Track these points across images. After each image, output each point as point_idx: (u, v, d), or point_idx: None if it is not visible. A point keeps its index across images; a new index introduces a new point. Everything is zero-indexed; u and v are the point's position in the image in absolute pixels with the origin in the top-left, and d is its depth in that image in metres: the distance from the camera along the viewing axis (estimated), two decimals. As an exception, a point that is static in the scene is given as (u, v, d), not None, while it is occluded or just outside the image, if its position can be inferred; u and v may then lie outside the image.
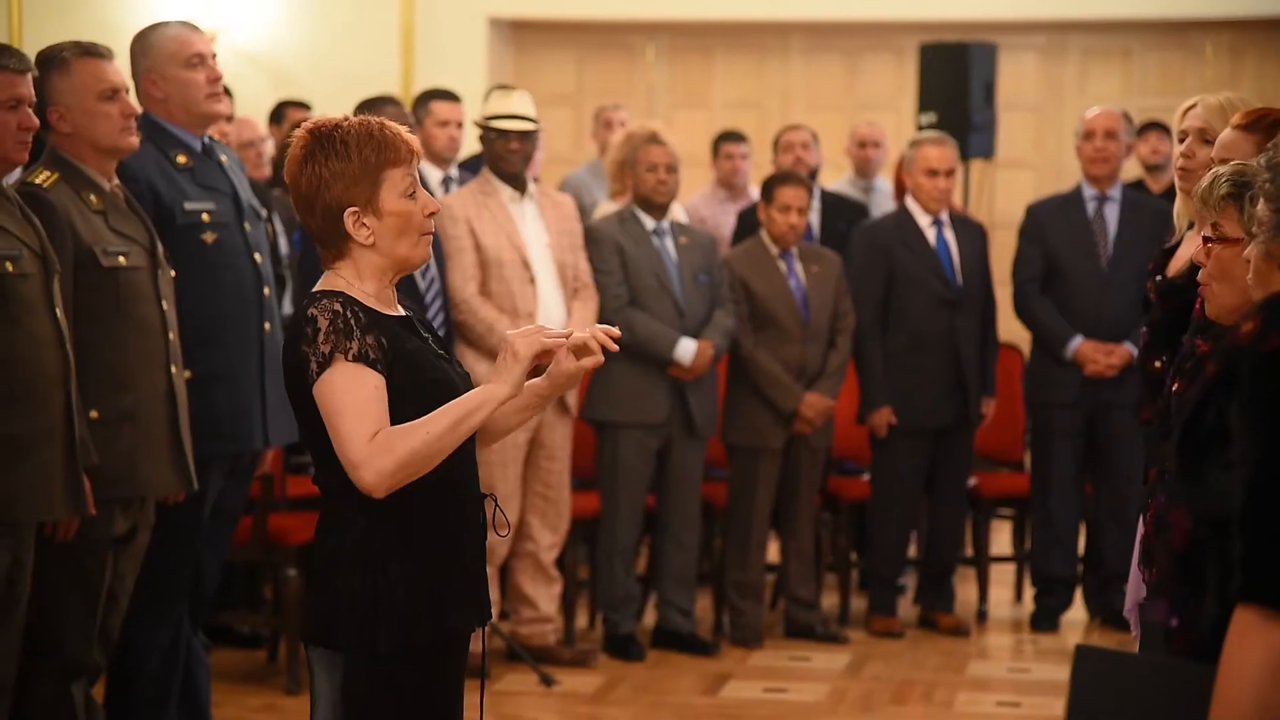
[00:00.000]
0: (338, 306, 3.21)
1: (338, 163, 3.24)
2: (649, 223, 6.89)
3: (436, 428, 3.17)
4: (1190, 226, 4.48)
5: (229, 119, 7.01)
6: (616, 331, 3.33)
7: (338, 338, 3.19)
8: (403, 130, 3.32)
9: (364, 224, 3.25)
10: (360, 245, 3.27)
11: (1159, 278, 4.43)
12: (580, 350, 3.29)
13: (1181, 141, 4.48)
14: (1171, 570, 2.47)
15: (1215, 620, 2.10)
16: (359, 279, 3.28)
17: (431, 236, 3.34)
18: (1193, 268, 4.25)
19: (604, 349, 3.31)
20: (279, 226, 6.91)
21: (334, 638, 3.27)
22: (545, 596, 6.69)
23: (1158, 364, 4.34)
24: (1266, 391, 2.00)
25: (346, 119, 3.31)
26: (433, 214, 3.32)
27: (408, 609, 3.23)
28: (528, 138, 6.66)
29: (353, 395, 3.17)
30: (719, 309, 6.89)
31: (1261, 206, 2.75)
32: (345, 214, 3.25)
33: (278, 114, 8.58)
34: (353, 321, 3.21)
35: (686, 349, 6.73)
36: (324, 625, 3.28)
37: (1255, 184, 3.23)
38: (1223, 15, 11.58)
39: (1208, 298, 3.39)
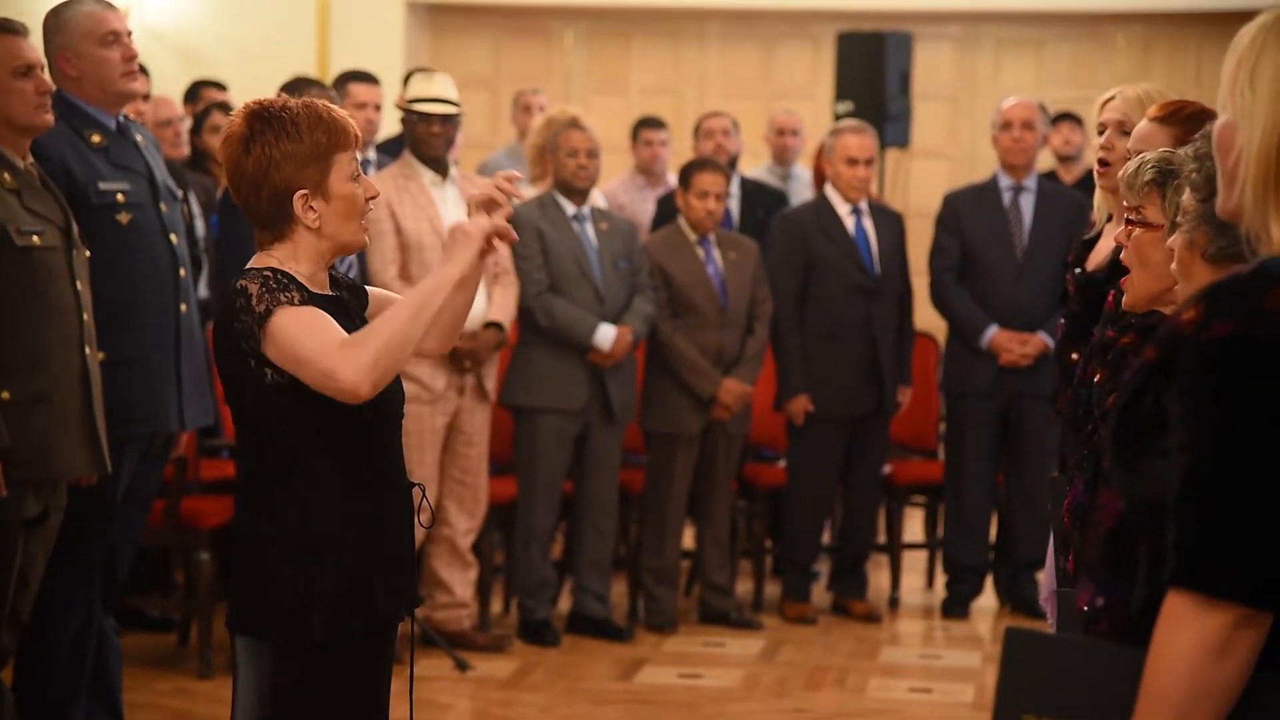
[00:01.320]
0: (267, 273, 3.20)
1: (289, 144, 3.22)
2: (569, 208, 6.88)
3: (400, 314, 3.15)
4: (1109, 219, 4.52)
5: (145, 98, 6.94)
6: (516, 175, 3.30)
7: (273, 295, 3.17)
8: (346, 114, 3.31)
9: (312, 207, 3.23)
10: (304, 228, 3.24)
11: (1078, 270, 4.46)
12: (489, 205, 3.25)
13: (1101, 134, 4.51)
14: (1100, 551, 2.49)
15: (1144, 603, 2.12)
16: (294, 260, 3.26)
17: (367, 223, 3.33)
18: (1112, 261, 4.30)
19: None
20: (195, 208, 6.85)
21: (264, 626, 3.25)
22: (461, 581, 6.67)
23: (1075, 355, 4.37)
24: (1207, 381, 2.02)
25: (290, 99, 3.27)
26: (373, 198, 3.30)
27: (341, 597, 3.22)
28: (450, 121, 6.63)
29: (307, 324, 3.15)
30: (638, 295, 6.89)
31: (1187, 196, 2.78)
32: (295, 196, 3.22)
33: (193, 93, 8.49)
34: (284, 280, 3.20)
35: (606, 335, 6.72)
36: (253, 613, 3.26)
37: (1180, 172, 3.27)
38: (1134, 8, 11.71)
39: (1126, 288, 3.42)
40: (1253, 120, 2.09)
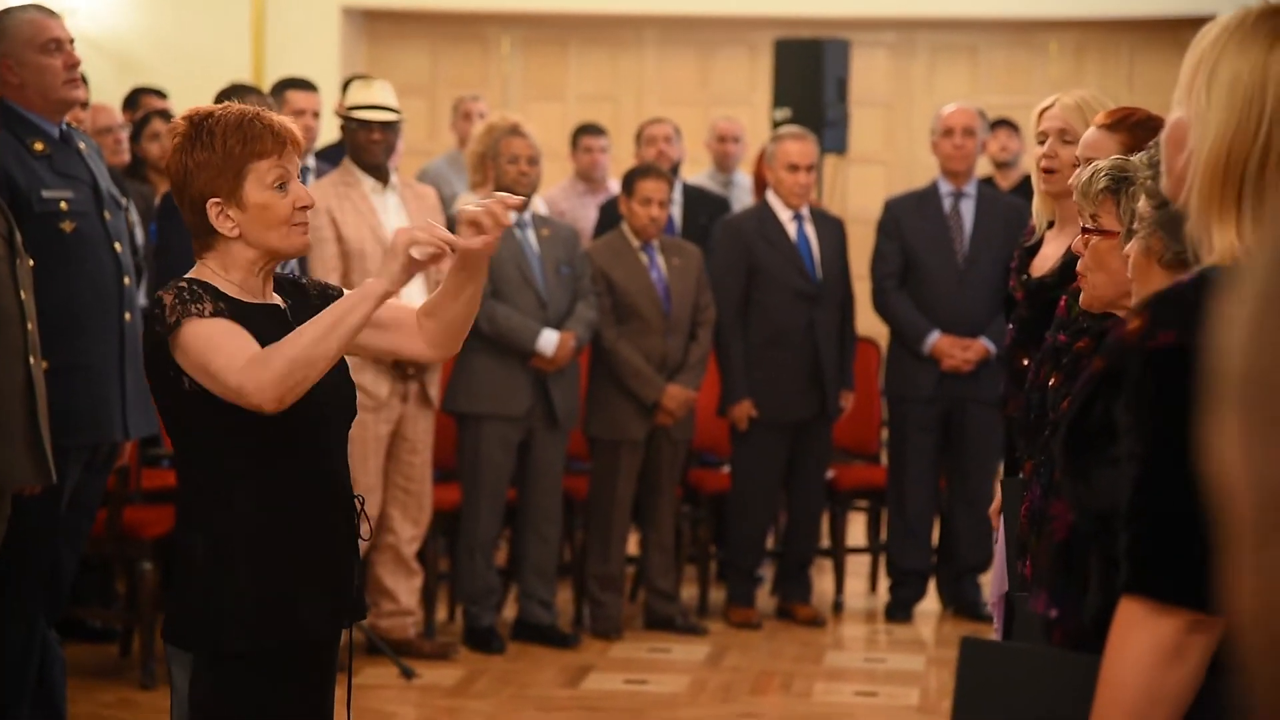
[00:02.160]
0: (183, 284, 3.18)
1: (202, 153, 3.20)
2: (511, 215, 6.85)
3: (312, 331, 3.10)
4: (1050, 225, 4.56)
5: (83, 106, 6.89)
6: (517, 200, 3.28)
7: (184, 305, 3.14)
8: (278, 121, 3.26)
9: (227, 215, 3.20)
10: (227, 238, 3.22)
11: (1025, 276, 4.50)
12: (475, 227, 3.24)
13: (1042, 142, 4.55)
14: (1052, 562, 2.51)
15: (1097, 612, 2.13)
16: (224, 270, 3.23)
17: (307, 227, 3.29)
18: (1062, 266, 4.34)
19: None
20: (134, 216, 6.80)
21: (185, 636, 3.23)
22: (405, 589, 6.65)
23: (1024, 361, 4.41)
24: (1153, 388, 2.03)
25: (226, 108, 3.26)
26: (305, 207, 3.26)
27: (256, 612, 3.18)
28: (390, 128, 6.62)
29: (214, 337, 3.12)
30: (581, 301, 6.89)
31: (1143, 203, 2.81)
32: (208, 205, 3.20)
33: (132, 100, 8.43)
34: (199, 290, 3.17)
35: (549, 340, 6.72)
36: (177, 623, 3.25)
37: (1134, 179, 3.30)
38: (1067, 15, 11.81)
39: (1084, 287, 3.46)
40: (1205, 125, 2.10)
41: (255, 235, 3.21)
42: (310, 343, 3.09)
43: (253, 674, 3.20)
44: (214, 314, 3.14)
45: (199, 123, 3.22)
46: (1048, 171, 4.49)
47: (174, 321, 3.13)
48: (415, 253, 3.16)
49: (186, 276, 3.22)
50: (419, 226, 3.20)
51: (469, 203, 7.25)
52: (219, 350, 3.11)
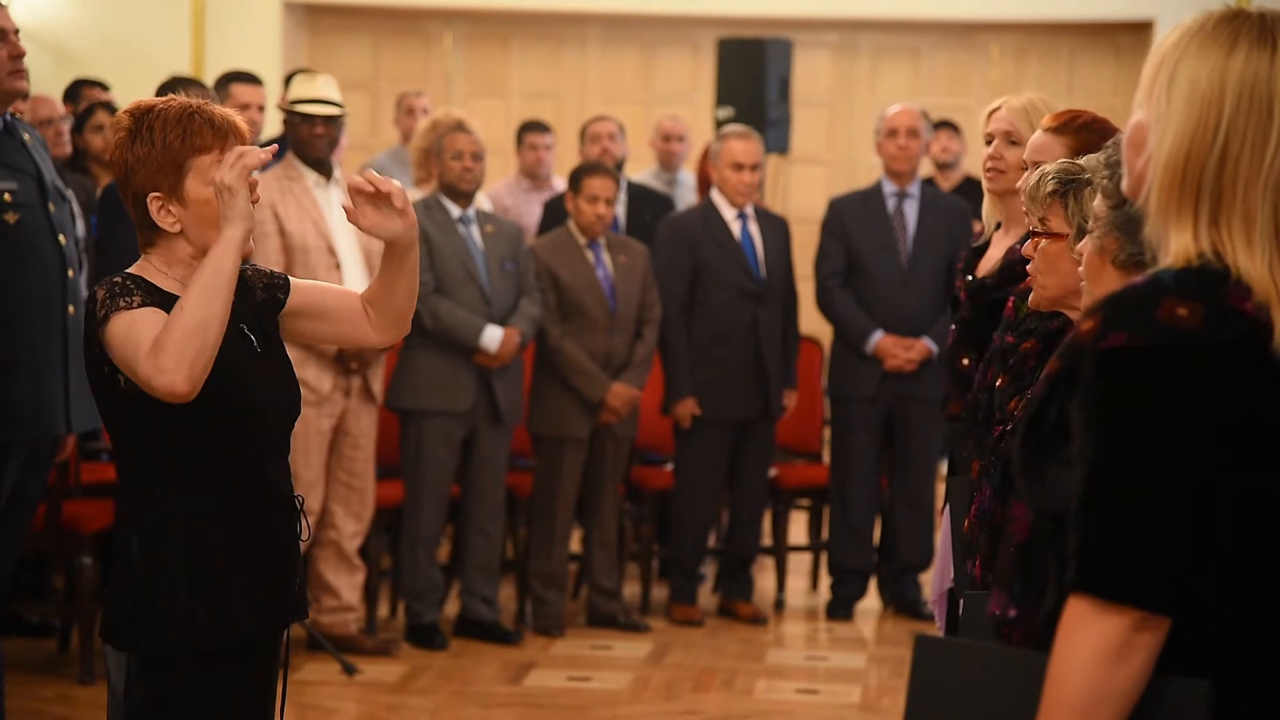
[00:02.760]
0: (118, 279, 3.15)
1: (143, 148, 3.15)
2: (454, 210, 6.86)
3: (191, 299, 3.06)
4: (998, 227, 4.59)
5: (24, 97, 6.82)
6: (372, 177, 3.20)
7: (113, 300, 3.11)
8: (219, 114, 3.20)
9: (169, 211, 3.16)
10: (168, 234, 3.19)
11: (969, 277, 4.52)
12: (381, 200, 3.18)
13: (989, 144, 4.57)
14: (1012, 563, 2.53)
15: (1051, 611, 2.15)
16: (168, 266, 3.20)
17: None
18: (1003, 268, 4.36)
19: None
20: (76, 209, 6.74)
21: (120, 637, 3.19)
22: (347, 585, 6.63)
23: (965, 361, 4.43)
24: (1102, 389, 2.04)
25: (168, 101, 3.20)
26: (253, 202, 3.22)
27: (188, 613, 3.15)
28: (333, 122, 6.60)
29: (135, 328, 3.09)
30: (525, 297, 6.89)
31: (1098, 202, 2.82)
32: (149, 200, 3.17)
33: (73, 92, 8.36)
34: (130, 285, 3.14)
35: (493, 336, 6.71)
36: (113, 623, 3.21)
37: (1081, 180, 3.33)
38: (1007, 18, 11.88)
39: (1034, 288, 3.48)
40: (1164, 128, 2.11)
41: (196, 231, 3.17)
42: (193, 309, 3.05)
43: (189, 675, 3.17)
44: (143, 305, 3.11)
45: (140, 117, 3.17)
46: (992, 173, 4.52)
47: (102, 316, 3.10)
48: (230, 176, 3.09)
49: (125, 272, 3.18)
50: (224, 162, 3.11)
51: (412, 198, 7.25)
52: (132, 344, 3.08)
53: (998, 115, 4.60)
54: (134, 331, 3.08)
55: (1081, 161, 3.41)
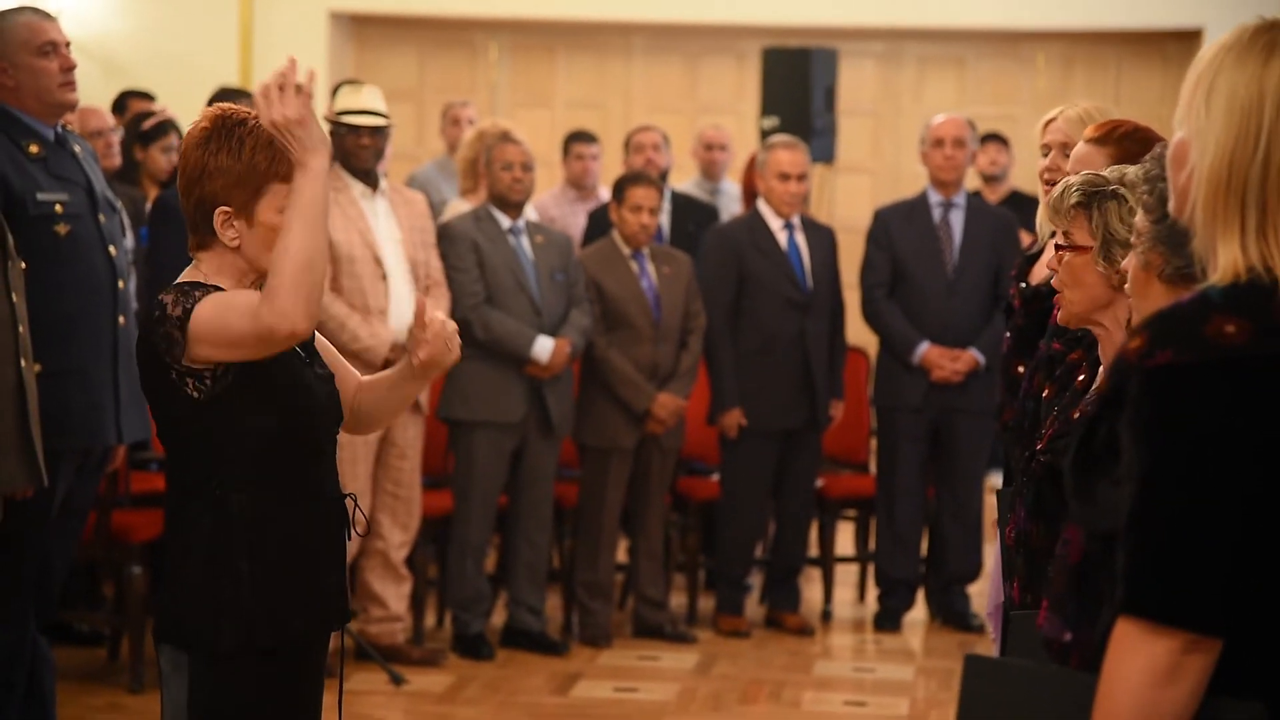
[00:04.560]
0: (185, 286, 3.18)
1: (226, 158, 3.17)
2: (504, 221, 6.87)
3: (292, 240, 3.06)
4: (1051, 235, 4.56)
5: (73, 109, 6.87)
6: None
7: (186, 297, 3.14)
8: None
9: (232, 226, 3.19)
10: (223, 245, 3.22)
11: (1023, 284, 4.50)
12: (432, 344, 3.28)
13: (1045, 154, 4.56)
14: (1067, 585, 2.51)
15: (1106, 633, 2.13)
16: (219, 274, 3.23)
17: None
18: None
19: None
20: (125, 220, 6.78)
21: (180, 635, 3.23)
22: (394, 595, 6.64)
23: (1020, 368, 4.41)
24: (1149, 408, 2.03)
25: (257, 116, 3.22)
26: None
27: (251, 610, 3.19)
28: (379, 133, 6.62)
29: (220, 306, 3.12)
30: (575, 308, 6.89)
31: (1140, 217, 2.81)
32: (216, 211, 3.19)
33: (121, 104, 8.41)
34: (193, 288, 3.18)
35: (544, 347, 6.72)
36: (171, 622, 3.25)
37: (1105, 192, 3.31)
38: (1054, 27, 11.84)
39: (1060, 303, 3.47)
40: (1205, 141, 2.10)
41: (254, 252, 3.20)
42: (297, 249, 3.06)
43: (249, 672, 3.21)
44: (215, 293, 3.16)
45: (231, 126, 3.18)
46: (1049, 183, 4.49)
47: (181, 314, 3.12)
48: (292, 108, 3.06)
49: (180, 282, 3.21)
50: (273, 99, 3.08)
51: (458, 209, 7.28)
52: (231, 311, 3.10)
53: (1054, 126, 4.58)
54: (226, 306, 3.12)
55: (1108, 173, 3.39)
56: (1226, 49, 2.12)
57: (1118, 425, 2.09)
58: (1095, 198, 3.35)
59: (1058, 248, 3.45)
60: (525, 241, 6.87)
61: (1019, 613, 3.23)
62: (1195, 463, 1.99)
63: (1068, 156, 4.45)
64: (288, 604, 3.23)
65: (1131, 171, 3.28)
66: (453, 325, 3.34)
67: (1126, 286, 2.86)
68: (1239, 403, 2.00)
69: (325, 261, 3.10)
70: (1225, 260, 2.08)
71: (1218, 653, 2.00)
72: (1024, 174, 10.32)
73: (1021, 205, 8.77)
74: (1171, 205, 2.21)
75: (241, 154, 3.16)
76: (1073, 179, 3.47)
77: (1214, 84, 2.11)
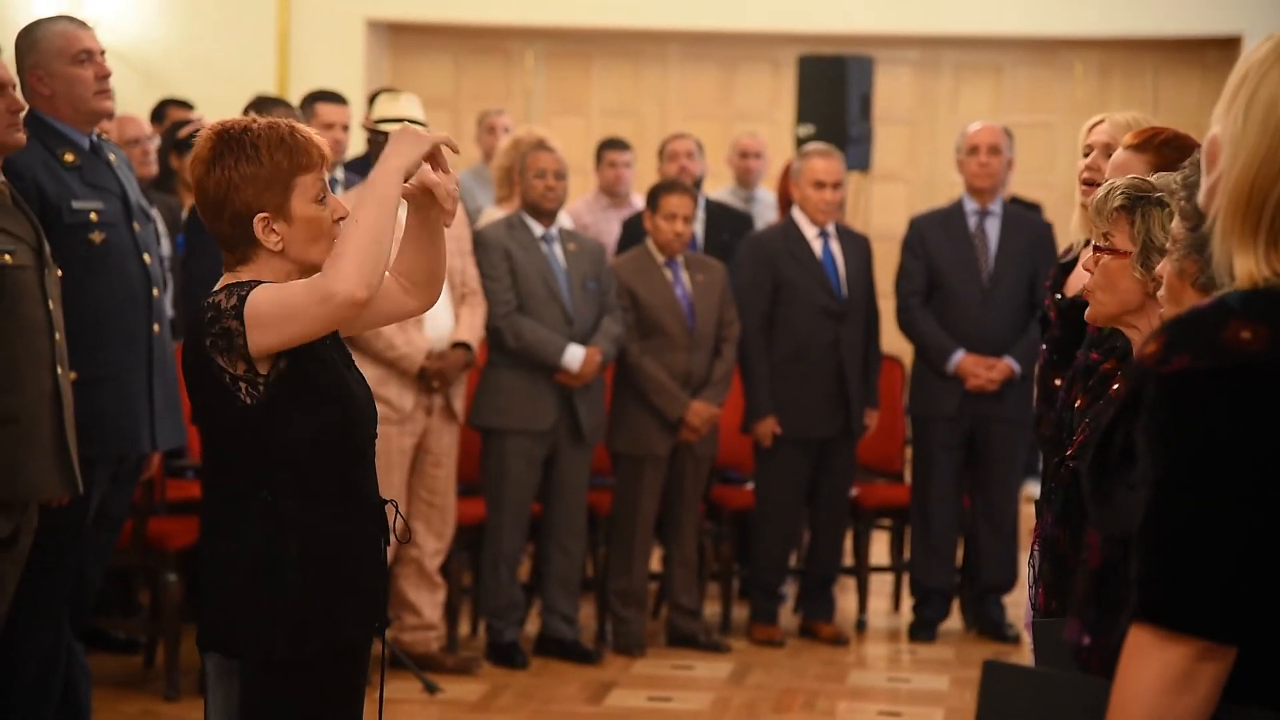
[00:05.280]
0: (233, 286, 3.20)
1: (248, 166, 3.19)
2: (537, 229, 6.87)
3: (363, 214, 3.11)
4: (1086, 243, 4.53)
5: (109, 117, 6.90)
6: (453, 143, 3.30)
7: (240, 289, 3.17)
8: (313, 134, 3.28)
9: (273, 230, 3.21)
10: (268, 250, 3.23)
11: (1059, 295, 4.47)
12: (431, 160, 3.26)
13: (1086, 155, 4.53)
14: (1086, 590, 2.50)
15: (1124, 637, 2.12)
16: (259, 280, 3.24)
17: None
18: (1094, 285, 4.31)
19: None
20: (161, 228, 6.81)
21: (230, 644, 3.24)
22: (429, 603, 6.64)
23: (1057, 380, 4.38)
24: (1166, 413, 2.02)
25: (255, 121, 3.26)
26: (341, 219, 3.28)
27: (304, 616, 3.21)
28: (416, 141, 6.60)
29: (279, 288, 3.16)
30: (607, 316, 6.89)
31: (1176, 224, 2.79)
32: (255, 219, 3.20)
33: (159, 112, 8.45)
34: (241, 283, 3.20)
35: (575, 355, 6.72)
36: (220, 631, 3.26)
37: (1151, 199, 3.29)
38: (1091, 34, 11.80)
39: (1090, 303, 3.44)
40: (1237, 148, 2.08)
41: (298, 249, 3.23)
42: (368, 222, 3.09)
43: (297, 679, 3.23)
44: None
45: (238, 136, 3.21)
46: (1089, 184, 4.46)
47: (236, 303, 3.14)
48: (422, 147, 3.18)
49: (223, 284, 3.23)
50: (419, 141, 3.19)
51: (493, 216, 7.28)
52: (286, 290, 3.14)
53: (1100, 128, 4.55)
54: (281, 286, 3.16)
55: (1154, 179, 3.37)
56: (1277, 55, 2.09)
57: (1135, 430, 2.08)
58: (1139, 203, 3.33)
59: (1096, 248, 3.43)
60: (558, 249, 6.87)
61: (1042, 620, 3.22)
62: (1209, 469, 1.98)
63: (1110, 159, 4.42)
64: (337, 609, 3.24)
65: (1167, 176, 3.27)
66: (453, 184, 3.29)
67: (1160, 293, 2.84)
68: (1255, 409, 1.98)
69: (391, 242, 3.12)
70: (1242, 270, 2.07)
71: (1232, 660, 1.98)
72: (1064, 181, 10.28)
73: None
74: (1200, 198, 2.19)
75: (260, 158, 3.20)
76: (1118, 181, 3.45)
77: (1257, 91, 2.08)
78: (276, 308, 3.13)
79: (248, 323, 3.13)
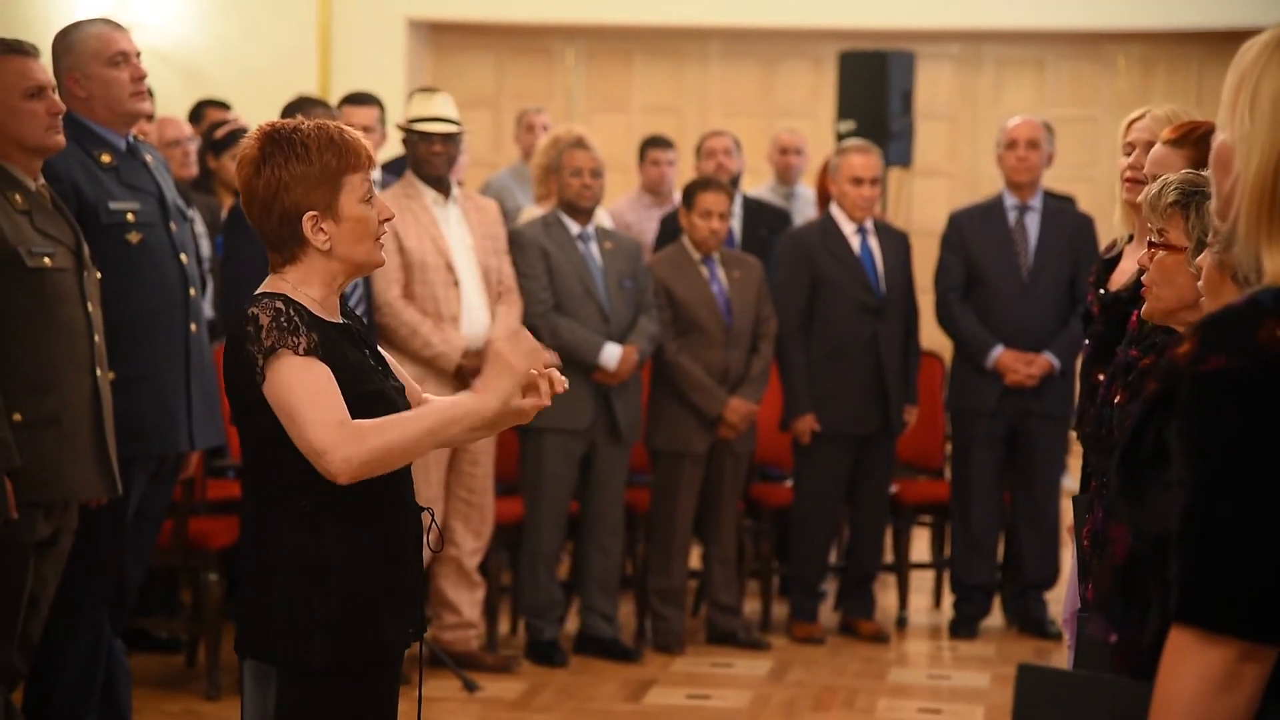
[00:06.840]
0: (279, 305, 3.18)
1: (298, 166, 3.20)
2: (574, 228, 6.87)
3: (415, 429, 3.14)
4: (1130, 239, 4.50)
5: (149, 118, 6.94)
6: (563, 385, 3.26)
7: (281, 334, 3.15)
8: (360, 135, 3.29)
9: (321, 229, 3.22)
10: (315, 250, 3.23)
11: (1102, 291, 4.45)
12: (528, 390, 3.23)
13: (1128, 153, 4.50)
14: (1112, 586, 2.48)
15: (1155, 637, 2.11)
16: (305, 284, 3.24)
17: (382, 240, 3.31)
18: (1137, 281, 4.29)
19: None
20: (200, 228, 6.84)
21: (268, 650, 3.23)
22: (468, 602, 6.65)
23: (1100, 375, 4.36)
24: (1200, 414, 2.00)
25: (303, 121, 3.26)
26: (387, 219, 3.29)
27: (343, 623, 3.20)
28: (451, 140, 6.62)
29: (307, 386, 3.13)
30: (643, 314, 6.89)
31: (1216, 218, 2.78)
32: (304, 219, 3.21)
33: (197, 113, 8.49)
34: (297, 319, 3.17)
35: (611, 354, 6.72)
36: (258, 637, 3.25)
37: (1204, 193, 3.27)
38: (1134, 27, 11.73)
39: (1148, 299, 3.43)
40: (1250, 146, 2.06)
41: (346, 249, 3.23)
42: (409, 439, 3.13)
43: (336, 686, 3.22)
44: (308, 351, 3.15)
45: (288, 136, 3.22)
46: (1133, 182, 4.43)
47: (270, 347, 3.14)
48: (525, 361, 3.16)
49: (273, 292, 3.21)
50: (525, 347, 3.17)
51: (532, 215, 7.29)
52: (312, 402, 3.12)
53: (1140, 124, 4.52)
54: (306, 385, 3.14)
55: (1207, 173, 3.35)
56: (1270, 51, 2.08)
57: (1165, 430, 2.06)
58: (1194, 198, 3.32)
59: (1151, 244, 3.41)
60: (594, 248, 6.87)
61: (1082, 615, 3.20)
62: (1248, 470, 1.96)
63: None
64: (376, 616, 3.24)
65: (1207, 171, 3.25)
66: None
67: (1200, 284, 2.82)
68: None
69: (407, 461, 3.17)
70: (1272, 268, 2.05)
71: (1273, 660, 1.97)
72: (1107, 176, 10.22)
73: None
74: (1213, 207, 2.18)
75: (310, 157, 3.20)
76: (1171, 177, 3.44)
77: (1258, 88, 2.06)
78: (285, 399, 3.14)
79: (266, 375, 3.15)
